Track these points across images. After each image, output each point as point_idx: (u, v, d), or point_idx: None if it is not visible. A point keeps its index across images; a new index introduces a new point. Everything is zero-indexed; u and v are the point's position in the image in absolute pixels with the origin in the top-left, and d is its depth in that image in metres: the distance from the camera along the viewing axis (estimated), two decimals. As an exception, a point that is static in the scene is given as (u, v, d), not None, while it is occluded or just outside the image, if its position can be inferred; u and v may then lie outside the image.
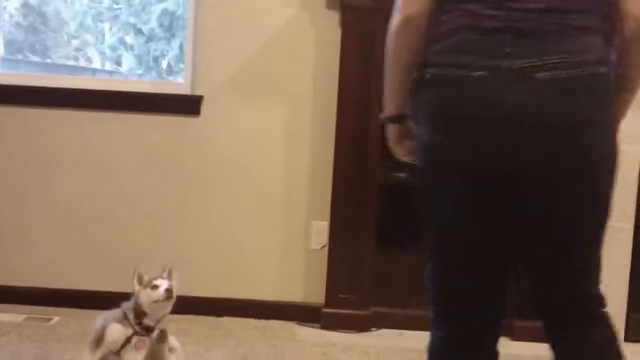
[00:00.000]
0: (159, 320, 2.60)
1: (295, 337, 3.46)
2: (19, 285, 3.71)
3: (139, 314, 2.57)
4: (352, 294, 3.60)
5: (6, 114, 3.74)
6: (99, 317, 2.65)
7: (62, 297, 3.67)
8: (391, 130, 1.96)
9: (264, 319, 3.66)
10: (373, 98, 3.47)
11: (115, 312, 2.60)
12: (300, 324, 3.64)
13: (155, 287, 2.56)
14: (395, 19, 1.82)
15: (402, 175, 3.60)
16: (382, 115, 1.96)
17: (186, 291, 3.66)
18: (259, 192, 3.74)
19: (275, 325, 3.59)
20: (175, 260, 3.69)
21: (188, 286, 3.66)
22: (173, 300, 2.59)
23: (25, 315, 3.54)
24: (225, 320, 3.62)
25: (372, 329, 3.56)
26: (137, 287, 2.58)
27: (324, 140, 3.65)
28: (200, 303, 3.62)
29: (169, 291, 2.56)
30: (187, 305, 3.62)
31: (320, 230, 3.71)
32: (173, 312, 2.63)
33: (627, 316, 3.65)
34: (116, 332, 2.56)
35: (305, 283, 3.74)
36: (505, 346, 3.31)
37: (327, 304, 3.63)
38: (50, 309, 3.61)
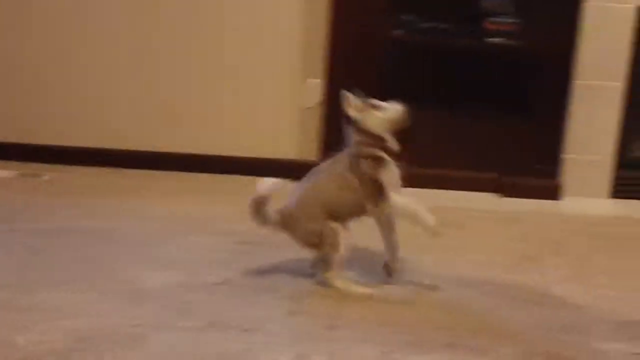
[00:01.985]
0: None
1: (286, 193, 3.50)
2: (11, 142, 3.72)
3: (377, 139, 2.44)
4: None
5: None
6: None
7: (53, 153, 3.70)
8: None
9: (258, 175, 3.67)
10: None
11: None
12: (294, 181, 3.66)
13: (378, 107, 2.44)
14: None
15: (397, 31, 3.57)
16: None
17: (179, 148, 3.72)
18: (252, 48, 3.69)
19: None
20: (169, 117, 3.74)
21: (182, 143, 3.71)
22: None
23: (17, 172, 3.57)
24: (220, 177, 3.65)
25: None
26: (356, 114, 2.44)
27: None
28: (195, 159, 3.65)
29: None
30: (182, 162, 3.68)
31: (313, 88, 3.69)
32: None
33: (614, 173, 3.73)
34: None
35: (300, 140, 3.76)
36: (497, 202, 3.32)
37: (321, 161, 3.65)
38: (45, 165, 3.64)
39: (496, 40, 3.56)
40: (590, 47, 3.56)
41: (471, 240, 3.07)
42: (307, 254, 2.52)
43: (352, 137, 2.47)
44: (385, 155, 2.43)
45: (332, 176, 2.48)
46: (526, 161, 3.65)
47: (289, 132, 3.76)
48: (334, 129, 3.61)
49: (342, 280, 2.44)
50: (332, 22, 3.52)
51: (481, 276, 2.72)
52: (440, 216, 3.28)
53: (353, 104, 2.44)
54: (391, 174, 2.43)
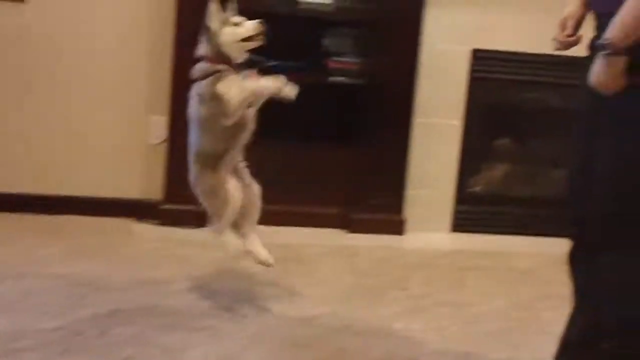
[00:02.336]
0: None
1: (132, 234, 3.42)
2: None
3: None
4: (191, 190, 3.57)
5: None
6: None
7: None
8: (619, 62, 1.83)
9: (100, 216, 3.58)
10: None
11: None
12: (139, 221, 3.59)
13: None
14: None
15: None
16: (617, 44, 1.81)
17: (19, 188, 3.56)
18: (94, 85, 3.59)
19: (112, 222, 3.53)
20: (9, 156, 3.58)
21: (20, 183, 3.56)
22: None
23: None
24: (60, 217, 3.52)
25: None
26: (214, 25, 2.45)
27: (164, 32, 3.52)
28: (34, 199, 3.51)
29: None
30: (20, 202, 3.53)
31: (158, 125, 3.64)
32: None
33: (454, 208, 3.86)
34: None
35: (143, 179, 3.69)
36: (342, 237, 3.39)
37: (166, 200, 3.59)
38: None
39: (339, 78, 3.63)
40: (429, 87, 3.68)
41: (315, 276, 3.08)
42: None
43: (203, 48, 2.48)
44: (222, 68, 2.44)
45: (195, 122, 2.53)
46: (371, 197, 3.71)
47: (132, 171, 3.68)
48: (179, 167, 3.57)
49: (226, 236, 2.54)
50: (176, 59, 3.48)
51: (325, 311, 2.73)
52: (285, 253, 3.30)
53: (215, 16, 2.44)
54: (231, 82, 2.44)
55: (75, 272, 2.89)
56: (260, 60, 3.44)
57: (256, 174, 3.55)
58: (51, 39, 3.53)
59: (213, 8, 2.43)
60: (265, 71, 2.60)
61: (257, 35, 2.46)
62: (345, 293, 2.94)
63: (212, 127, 2.48)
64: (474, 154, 3.92)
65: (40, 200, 3.55)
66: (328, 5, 3.56)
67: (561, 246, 3.87)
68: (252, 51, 2.54)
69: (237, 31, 2.46)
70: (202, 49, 2.49)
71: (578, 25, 2.18)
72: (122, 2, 3.56)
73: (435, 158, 3.78)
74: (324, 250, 3.38)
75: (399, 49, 3.60)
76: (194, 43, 3.45)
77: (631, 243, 1.92)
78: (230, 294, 2.81)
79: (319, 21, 3.64)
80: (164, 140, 3.62)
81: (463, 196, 3.89)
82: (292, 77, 3.62)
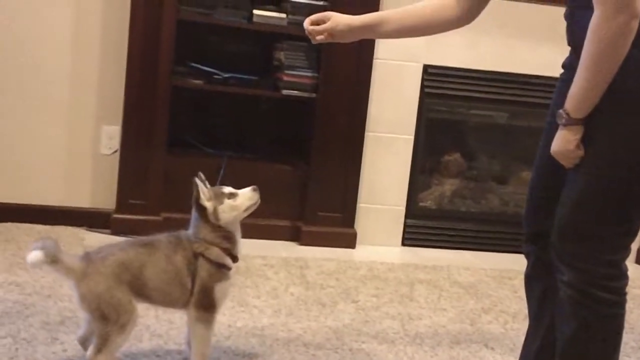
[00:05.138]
0: None
1: (83, 243, 3.40)
2: None
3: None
4: (142, 200, 3.58)
5: None
6: None
7: None
8: (577, 132, 1.88)
9: (50, 224, 3.56)
10: (167, 0, 3.41)
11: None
12: (90, 230, 3.58)
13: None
14: (624, 19, 1.74)
15: (195, 81, 3.59)
16: (573, 116, 1.87)
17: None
18: (44, 94, 3.57)
19: (63, 231, 3.51)
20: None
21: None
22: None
23: None
24: (8, 225, 3.49)
25: (163, 234, 3.56)
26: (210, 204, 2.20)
27: (116, 42, 3.53)
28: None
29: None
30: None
31: (111, 135, 3.63)
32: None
33: (405, 222, 3.91)
34: None
35: (95, 188, 3.67)
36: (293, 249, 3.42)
37: (118, 209, 3.58)
38: None
39: (292, 92, 3.66)
40: (380, 101, 3.73)
41: (265, 287, 3.10)
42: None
43: (201, 229, 2.21)
44: (229, 264, 2.22)
45: (164, 256, 2.18)
46: (322, 210, 3.74)
47: (84, 180, 3.66)
48: (131, 177, 3.58)
49: None
50: (129, 69, 3.48)
51: (274, 322, 2.75)
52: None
53: (206, 193, 2.20)
54: (225, 290, 2.23)
55: (22, 280, 2.86)
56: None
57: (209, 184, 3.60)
58: (0, 45, 3.51)
59: (200, 185, 2.20)
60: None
61: (255, 204, 2.27)
62: (295, 304, 2.96)
63: (178, 295, 2.21)
64: (424, 168, 3.99)
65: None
66: (282, 19, 3.60)
67: (505, 261, 3.97)
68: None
69: (235, 205, 2.22)
70: (200, 231, 2.21)
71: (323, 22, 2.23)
72: (75, 9, 3.55)
73: (387, 172, 3.83)
74: (274, 262, 3.40)
75: (351, 63, 3.65)
76: (148, 53, 3.48)
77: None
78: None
79: (273, 35, 3.68)
80: (116, 151, 3.61)
81: (413, 211, 3.95)
82: (244, 89, 3.67)
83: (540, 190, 2.15)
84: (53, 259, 2.04)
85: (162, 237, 2.22)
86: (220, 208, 2.19)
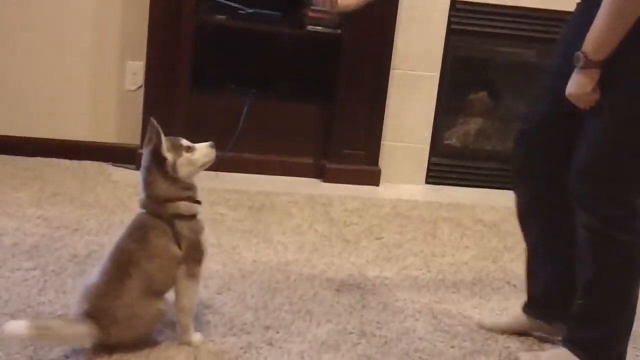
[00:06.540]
0: None
1: (109, 178, 3.43)
2: None
3: None
4: (167, 135, 3.58)
5: None
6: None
7: None
8: (594, 75, 1.87)
9: (76, 159, 3.58)
10: None
11: None
12: (115, 165, 3.60)
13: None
14: None
15: (219, 17, 3.57)
16: (592, 58, 1.85)
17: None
18: (69, 31, 3.57)
19: (89, 166, 3.54)
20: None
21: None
22: None
23: None
24: (36, 160, 3.52)
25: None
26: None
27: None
28: (6, 142, 3.50)
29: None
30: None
31: (135, 71, 3.63)
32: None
33: (429, 160, 3.90)
34: None
35: (120, 124, 3.69)
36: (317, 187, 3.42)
37: (143, 145, 3.59)
38: None
39: (316, 28, 3.62)
40: (407, 38, 3.69)
41: (289, 224, 3.12)
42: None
43: (158, 185, 2.06)
44: (198, 211, 2.11)
45: (150, 251, 2.04)
46: (346, 147, 3.74)
47: (109, 115, 3.68)
48: (155, 113, 3.57)
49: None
50: (152, 3, 3.46)
51: (298, 258, 2.78)
52: (260, 201, 3.34)
53: (166, 144, 2.04)
54: (206, 236, 2.15)
55: (50, 214, 2.90)
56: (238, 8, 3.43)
57: (232, 123, 3.60)
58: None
59: (158, 135, 2.04)
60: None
61: (210, 160, 2.11)
62: (319, 241, 2.98)
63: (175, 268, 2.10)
64: (449, 106, 3.95)
65: (16, 142, 3.55)
66: (308, -47, 3.55)
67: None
68: None
69: (193, 159, 2.07)
70: (157, 188, 2.06)
71: None
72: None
73: (412, 110, 3.81)
74: (298, 199, 3.42)
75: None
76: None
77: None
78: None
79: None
80: (140, 86, 3.62)
81: (438, 149, 3.93)
82: (268, 26, 3.64)
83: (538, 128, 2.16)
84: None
85: (120, 242, 2.07)
86: (179, 161, 2.04)
